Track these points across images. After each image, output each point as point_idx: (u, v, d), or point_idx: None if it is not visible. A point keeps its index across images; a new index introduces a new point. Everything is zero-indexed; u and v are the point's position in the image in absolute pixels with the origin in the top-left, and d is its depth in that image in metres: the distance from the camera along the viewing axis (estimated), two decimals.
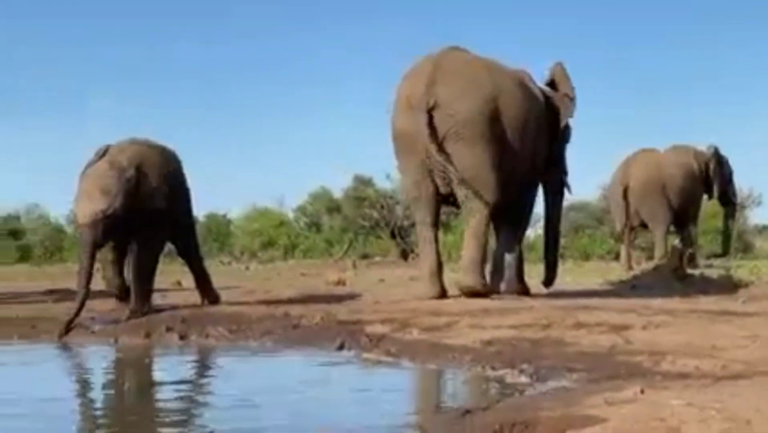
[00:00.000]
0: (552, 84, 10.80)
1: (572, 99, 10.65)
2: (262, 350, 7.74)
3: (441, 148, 9.30)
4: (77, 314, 8.52)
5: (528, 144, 9.95)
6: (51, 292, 11.33)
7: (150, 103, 41.65)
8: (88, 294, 8.62)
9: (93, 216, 8.55)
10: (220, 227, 27.90)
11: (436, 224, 9.82)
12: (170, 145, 9.89)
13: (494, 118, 9.51)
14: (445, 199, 9.77)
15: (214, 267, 20.27)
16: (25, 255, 25.31)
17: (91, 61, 43.24)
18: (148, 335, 8.34)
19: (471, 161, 9.38)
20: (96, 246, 8.69)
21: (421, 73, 9.65)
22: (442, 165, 9.34)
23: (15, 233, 26.77)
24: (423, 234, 9.80)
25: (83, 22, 43.85)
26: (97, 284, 9.84)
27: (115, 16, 45.86)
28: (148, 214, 8.94)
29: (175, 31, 45.63)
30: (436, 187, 9.55)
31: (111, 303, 9.59)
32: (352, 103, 45.34)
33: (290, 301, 10.26)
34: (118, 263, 9.47)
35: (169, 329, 8.43)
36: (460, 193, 9.48)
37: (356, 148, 41.20)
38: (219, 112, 44.04)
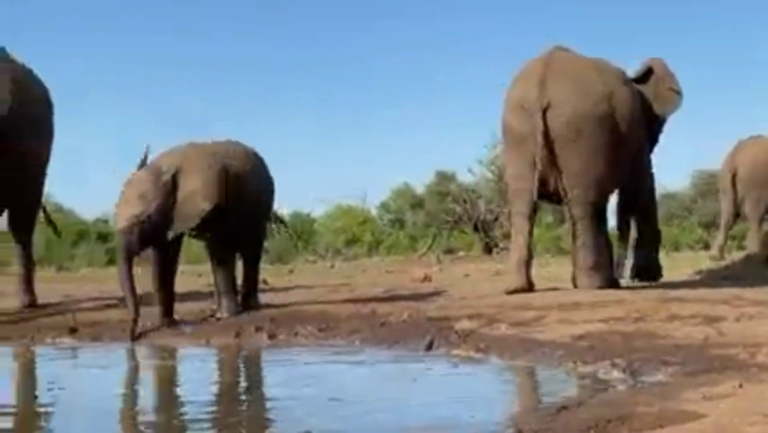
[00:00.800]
0: (641, 79, 10.77)
1: (679, 93, 10.80)
2: (350, 348, 7.75)
3: (552, 148, 9.54)
4: (135, 320, 8.65)
5: (634, 140, 10.17)
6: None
7: (234, 101, 42.09)
8: (136, 297, 8.72)
9: (130, 221, 8.69)
10: (305, 225, 28.07)
11: (532, 217, 9.90)
12: (251, 146, 9.95)
13: (605, 117, 9.76)
14: (546, 196, 9.93)
15: (299, 265, 20.54)
16: (113, 258, 25.79)
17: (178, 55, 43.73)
18: (238, 335, 8.42)
19: (581, 160, 9.62)
20: (131, 251, 8.79)
21: (532, 75, 9.89)
22: (551, 164, 9.56)
23: (104, 236, 27.30)
24: (517, 225, 9.91)
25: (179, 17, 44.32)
26: (186, 285, 10.01)
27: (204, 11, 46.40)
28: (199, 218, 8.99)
29: (256, 26, 45.96)
30: (540, 183, 9.65)
31: (200, 304, 9.71)
32: (434, 98, 45.21)
33: (376, 298, 10.25)
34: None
35: (258, 329, 8.50)
36: (569, 192, 9.69)
37: (438, 143, 41.05)
38: (302, 110, 44.30)
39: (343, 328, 8.36)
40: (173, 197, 8.86)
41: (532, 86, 9.73)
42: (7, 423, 5.19)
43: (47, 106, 11.15)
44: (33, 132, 10.52)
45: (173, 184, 8.87)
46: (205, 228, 9.13)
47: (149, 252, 9.12)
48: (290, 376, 6.70)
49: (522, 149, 9.72)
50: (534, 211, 9.89)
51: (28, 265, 11.13)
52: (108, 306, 10.50)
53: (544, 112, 9.53)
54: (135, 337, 8.58)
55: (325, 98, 43.74)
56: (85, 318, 9.31)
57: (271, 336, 8.33)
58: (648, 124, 10.63)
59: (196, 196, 8.91)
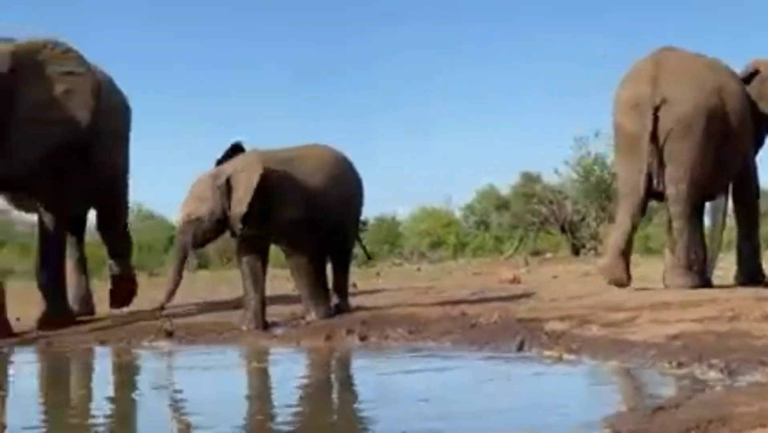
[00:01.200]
0: (746, 80, 10.77)
1: None
2: (441, 350, 7.77)
3: (661, 146, 9.67)
4: (163, 305, 9.25)
5: (742, 139, 10.23)
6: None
7: (320, 105, 42.41)
8: (175, 289, 9.23)
9: (184, 219, 9.06)
10: (390, 228, 28.16)
11: (638, 215, 10.01)
12: (338, 150, 10.01)
13: (716, 112, 9.85)
14: (655, 195, 10.00)
15: (385, 269, 20.61)
16: (203, 262, 26.25)
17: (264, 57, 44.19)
18: (329, 338, 8.50)
19: (690, 158, 9.72)
20: (186, 249, 9.15)
21: (643, 74, 10.01)
22: (659, 161, 9.69)
23: None
24: (619, 220, 10.06)
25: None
26: (277, 288, 10.14)
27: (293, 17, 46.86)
28: (267, 221, 9.11)
29: (337, 31, 46.21)
30: (649, 182, 9.74)
31: (291, 307, 9.83)
32: (519, 98, 44.98)
33: (465, 300, 10.26)
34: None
35: (349, 332, 8.57)
36: (671, 189, 9.77)
37: (523, 144, 40.86)
38: (385, 112, 44.41)
39: (434, 330, 8.38)
40: (227, 201, 9.02)
41: (644, 85, 9.87)
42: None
43: (126, 114, 11.43)
44: (112, 139, 10.81)
45: (227, 188, 9.03)
46: (280, 233, 9.27)
47: (245, 256, 9.28)
48: (383, 378, 6.75)
49: (633, 148, 9.80)
50: (642, 210, 10.04)
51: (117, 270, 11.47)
52: (202, 310, 10.74)
53: (657, 109, 9.64)
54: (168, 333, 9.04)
55: (409, 100, 43.86)
56: (180, 322, 9.50)
57: (362, 338, 8.39)
58: (754, 125, 10.57)
59: (239, 201, 9.02)
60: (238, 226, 9.04)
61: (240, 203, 8.98)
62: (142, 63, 40.27)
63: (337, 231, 9.69)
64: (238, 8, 43.50)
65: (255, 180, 8.96)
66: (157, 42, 42.91)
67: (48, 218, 9.94)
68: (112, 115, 10.72)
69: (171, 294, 9.20)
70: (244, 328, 9.15)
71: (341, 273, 9.91)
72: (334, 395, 6.39)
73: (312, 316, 9.29)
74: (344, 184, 9.81)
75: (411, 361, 7.34)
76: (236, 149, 9.34)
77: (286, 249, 9.42)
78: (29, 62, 9.51)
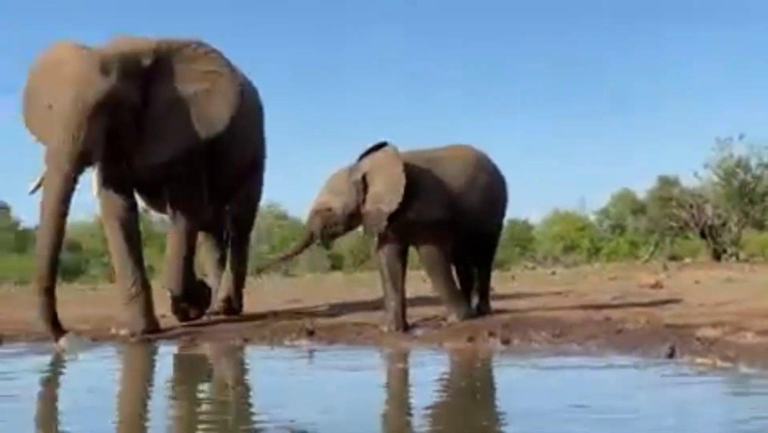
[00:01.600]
0: None
1: None
2: (587, 354, 7.59)
3: None
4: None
5: None
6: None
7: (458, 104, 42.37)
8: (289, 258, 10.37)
9: (315, 207, 9.16)
10: (522, 232, 27.95)
11: None
12: (480, 151, 9.91)
13: None
14: None
15: (518, 272, 20.42)
16: (337, 263, 26.55)
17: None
18: (471, 340, 8.41)
19: None
20: (312, 236, 9.29)
21: None
22: None
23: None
24: None
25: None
26: (413, 290, 10.09)
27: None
28: (399, 220, 9.04)
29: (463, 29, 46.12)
30: None
31: (431, 309, 9.78)
32: (655, 101, 44.04)
33: (608, 305, 10.03)
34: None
35: (491, 334, 8.46)
36: None
37: (660, 147, 39.96)
38: (520, 113, 44.14)
39: (578, 334, 8.20)
40: (362, 196, 9.05)
41: None
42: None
43: (260, 113, 11.52)
44: (248, 139, 10.90)
45: (363, 184, 9.06)
46: (418, 233, 9.20)
47: (384, 256, 9.26)
48: (529, 381, 6.62)
49: None
50: None
51: (240, 269, 11.54)
52: (342, 310, 10.78)
53: None
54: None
55: (544, 103, 43.45)
56: (320, 322, 9.55)
57: (505, 341, 8.27)
58: None
59: (380, 200, 9.00)
60: (377, 223, 9.05)
61: (380, 200, 8.99)
62: None
63: (479, 233, 9.60)
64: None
65: (400, 179, 8.95)
66: None
67: (179, 218, 9.97)
68: (247, 115, 10.81)
69: (286, 258, 10.16)
70: (385, 329, 9.14)
71: (484, 276, 9.81)
72: (482, 399, 6.28)
73: (453, 318, 9.23)
74: (487, 187, 9.67)
75: (558, 365, 7.18)
76: (380, 147, 9.32)
77: (423, 250, 9.34)
78: (172, 59, 9.56)
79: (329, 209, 9.09)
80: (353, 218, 9.15)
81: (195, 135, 9.58)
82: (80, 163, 8.81)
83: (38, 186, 8.87)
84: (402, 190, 8.92)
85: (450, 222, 9.21)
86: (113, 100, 8.86)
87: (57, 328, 8.90)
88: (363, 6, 47.19)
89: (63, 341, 8.78)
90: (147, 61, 9.30)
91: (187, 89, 9.55)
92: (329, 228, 9.20)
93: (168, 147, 9.42)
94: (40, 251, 8.83)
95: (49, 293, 8.80)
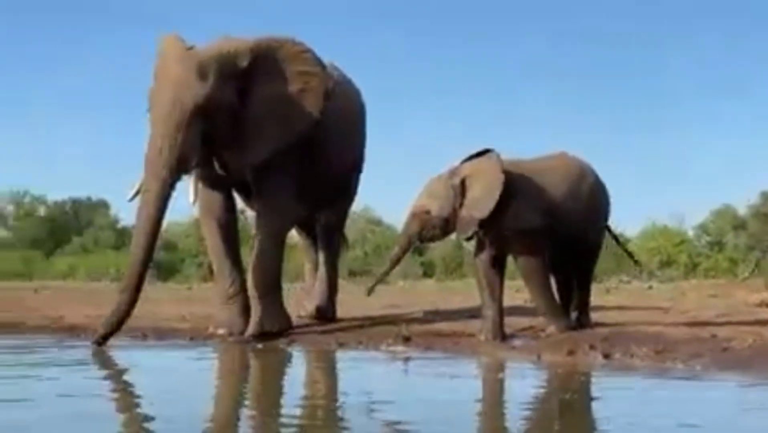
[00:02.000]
0: None
1: None
2: (691, 373, 7.36)
3: None
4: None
5: None
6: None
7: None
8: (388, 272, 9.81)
9: (413, 210, 9.15)
10: (617, 245, 27.45)
11: None
12: (583, 161, 9.73)
13: None
14: None
15: (614, 286, 20.09)
16: (429, 271, 26.51)
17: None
18: (571, 353, 8.24)
19: None
20: (410, 239, 9.31)
21: None
22: None
23: (419, 250, 28.09)
24: None
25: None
26: (508, 300, 9.96)
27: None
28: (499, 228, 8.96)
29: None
30: None
31: (529, 320, 9.65)
32: (758, 113, 42.98)
33: (712, 322, 9.76)
34: None
35: (592, 347, 8.27)
36: None
37: (762, 162, 38.98)
38: (618, 127, 43.51)
39: (682, 351, 7.95)
40: (459, 201, 8.98)
41: None
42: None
43: (359, 113, 11.42)
44: (343, 139, 10.77)
45: (461, 188, 9.00)
46: (511, 241, 9.09)
47: (481, 265, 9.16)
48: (633, 398, 6.43)
49: None
50: None
51: (332, 272, 11.42)
52: (436, 318, 10.70)
53: None
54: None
55: (643, 117, 42.77)
56: (416, 329, 9.48)
57: (606, 356, 8.07)
58: None
59: (474, 205, 8.92)
60: (468, 228, 8.99)
61: (475, 206, 8.91)
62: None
63: (579, 244, 9.43)
64: None
65: (497, 186, 8.84)
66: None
67: (270, 219, 9.87)
68: (347, 114, 10.79)
69: (390, 268, 9.64)
70: (482, 338, 9.04)
71: (583, 287, 9.64)
72: (582, 414, 6.12)
73: (551, 329, 9.09)
74: (587, 197, 9.50)
75: (662, 383, 6.97)
76: (483, 153, 9.23)
77: (520, 259, 9.20)
78: (269, 58, 9.57)
79: (427, 212, 9.06)
80: (449, 222, 9.09)
81: (288, 135, 9.60)
82: (178, 169, 8.89)
83: (137, 193, 8.95)
84: (497, 197, 8.83)
85: (548, 231, 9.08)
86: (211, 104, 8.94)
87: (111, 333, 8.81)
88: (490, 11, 47.02)
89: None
90: (244, 62, 9.34)
91: (281, 89, 9.59)
92: (426, 231, 9.18)
93: (264, 148, 9.47)
94: (133, 254, 8.92)
95: (132, 295, 8.79)
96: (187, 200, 9.40)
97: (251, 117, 9.40)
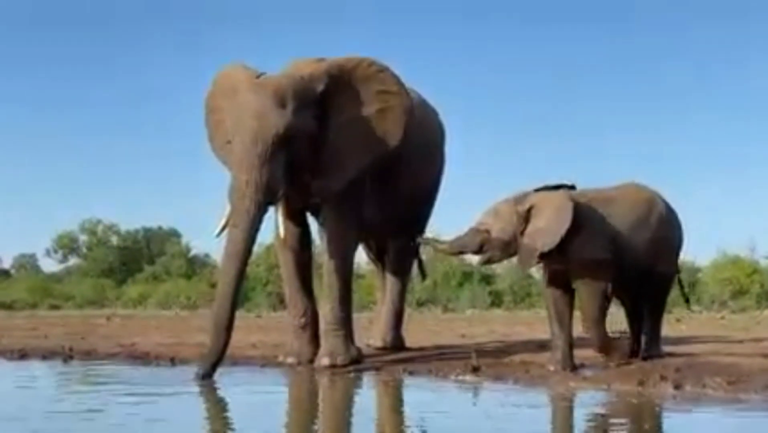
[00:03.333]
0: None
1: None
2: (765, 405, 7.24)
3: None
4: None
5: None
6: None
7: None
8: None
9: (475, 226, 9.13)
10: (688, 274, 27.13)
11: None
12: (654, 191, 9.65)
13: None
14: None
15: (684, 315, 19.80)
16: (497, 300, 26.40)
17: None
18: (641, 383, 8.16)
19: None
20: (462, 249, 9.35)
21: None
22: None
23: (487, 278, 28.05)
24: None
25: None
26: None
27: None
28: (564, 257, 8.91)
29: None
30: None
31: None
32: None
33: None
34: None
35: (663, 378, 8.19)
36: None
37: None
38: (683, 154, 43.01)
39: (757, 382, 7.83)
40: (522, 227, 8.94)
41: None
42: None
43: (437, 134, 11.37)
44: (420, 162, 10.72)
45: (526, 216, 8.95)
46: (577, 272, 9.01)
47: (551, 294, 9.14)
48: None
49: None
50: None
51: (400, 301, 11.39)
52: (505, 347, 10.67)
53: None
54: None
55: (717, 143, 42.20)
56: (485, 359, 9.47)
57: (677, 386, 7.98)
58: None
59: (539, 236, 8.85)
60: (531, 258, 8.99)
61: (539, 236, 8.85)
62: None
63: (648, 275, 9.36)
64: None
65: (565, 220, 8.81)
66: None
67: (336, 248, 9.76)
68: (422, 135, 10.65)
69: (440, 249, 10.01)
70: (552, 368, 9.01)
71: (654, 318, 9.55)
72: None
73: (606, 360, 9.00)
74: (657, 228, 9.42)
75: (730, 415, 6.88)
76: (559, 188, 9.21)
77: (580, 288, 9.11)
78: (345, 80, 9.44)
79: (487, 231, 9.03)
80: (508, 246, 9.04)
81: (369, 158, 9.53)
82: (265, 201, 8.74)
83: (224, 228, 8.83)
84: (562, 233, 8.78)
85: (613, 262, 9.01)
86: (291, 133, 8.80)
87: (214, 369, 8.72)
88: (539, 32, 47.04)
89: None
90: (321, 87, 9.22)
91: (360, 111, 9.48)
92: (483, 250, 9.14)
93: (344, 174, 9.42)
94: (220, 292, 8.76)
95: (225, 335, 8.67)
96: (276, 233, 9.47)
97: (331, 142, 9.30)
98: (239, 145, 8.75)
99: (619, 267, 9.09)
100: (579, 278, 9.04)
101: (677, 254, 9.84)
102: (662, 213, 9.54)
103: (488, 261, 9.47)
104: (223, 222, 8.86)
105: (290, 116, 8.82)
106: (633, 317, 9.70)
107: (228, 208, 8.79)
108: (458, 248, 9.37)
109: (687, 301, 10.69)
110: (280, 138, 8.72)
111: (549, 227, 8.84)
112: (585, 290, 9.07)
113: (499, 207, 9.12)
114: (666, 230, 9.56)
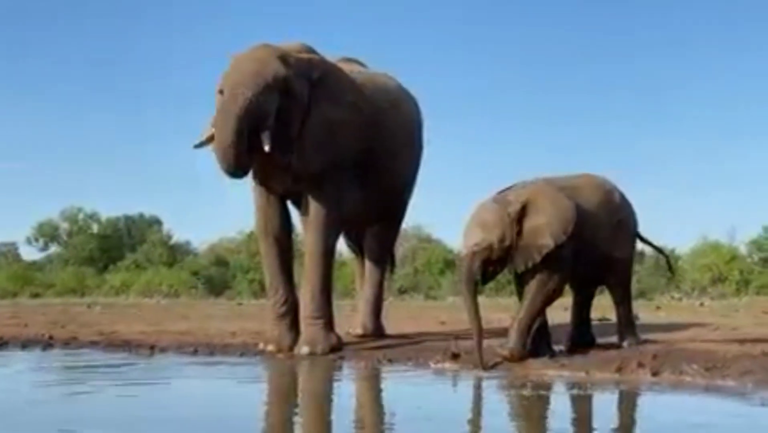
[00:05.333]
0: None
1: None
2: (742, 391, 7.30)
3: None
4: (479, 348, 8.62)
5: None
6: None
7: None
8: (480, 326, 8.68)
9: (472, 249, 8.59)
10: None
11: None
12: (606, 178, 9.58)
13: None
14: None
15: (665, 302, 19.94)
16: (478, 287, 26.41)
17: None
18: (619, 370, 8.21)
19: None
20: (472, 278, 8.62)
21: None
22: None
23: None
24: None
25: None
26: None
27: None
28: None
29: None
30: None
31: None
32: None
33: (763, 340, 9.66)
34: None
35: (640, 365, 8.23)
36: None
37: None
38: (665, 142, 43.19)
39: (733, 369, 7.88)
40: (518, 230, 8.68)
41: None
42: None
43: (413, 125, 11.45)
44: (398, 155, 10.89)
45: (519, 217, 8.69)
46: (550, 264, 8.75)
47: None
48: (678, 418, 6.40)
49: None
50: None
51: (379, 289, 11.52)
52: (486, 335, 10.67)
53: None
54: (486, 365, 8.61)
55: (694, 129, 42.36)
56: (466, 345, 9.49)
57: (654, 373, 8.04)
58: None
59: (540, 232, 8.66)
60: (534, 259, 8.66)
61: (548, 236, 8.63)
62: None
63: (608, 261, 9.30)
64: None
65: (566, 211, 8.74)
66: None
67: (317, 238, 9.88)
68: (401, 128, 10.87)
69: (479, 332, 8.68)
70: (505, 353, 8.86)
71: (624, 305, 9.48)
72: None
73: (509, 347, 8.84)
74: (617, 214, 9.34)
75: (714, 402, 6.93)
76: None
77: (536, 275, 8.81)
78: (330, 81, 9.84)
79: (488, 247, 8.58)
80: (511, 251, 8.66)
81: (340, 145, 9.86)
82: (248, 119, 8.96)
83: (203, 143, 9.33)
84: (572, 222, 8.68)
85: (576, 250, 8.92)
86: (287, 86, 9.32)
87: None
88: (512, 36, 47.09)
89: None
90: (315, 75, 9.70)
91: (334, 114, 9.82)
92: (490, 267, 8.71)
93: (320, 158, 9.68)
94: None
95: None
96: (257, 221, 10.00)
97: (314, 130, 9.61)
98: (239, 77, 9.17)
99: (582, 253, 8.99)
100: (538, 268, 8.79)
101: (634, 239, 9.69)
102: (620, 199, 9.47)
103: (493, 276, 8.93)
104: (206, 135, 9.30)
105: (289, 71, 9.38)
106: (579, 307, 9.63)
107: (209, 126, 9.22)
108: (474, 285, 8.69)
109: (670, 268, 11.07)
110: (278, 82, 9.23)
111: (551, 222, 8.70)
112: (538, 280, 8.84)
113: (484, 217, 8.71)
114: (624, 216, 9.49)
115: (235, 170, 8.97)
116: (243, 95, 8.94)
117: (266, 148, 9.03)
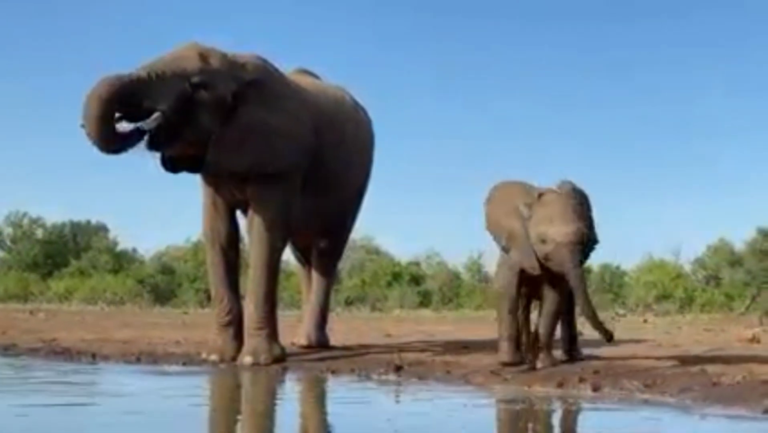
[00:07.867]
0: None
1: None
2: (681, 407, 7.38)
3: None
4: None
5: None
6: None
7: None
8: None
9: (570, 237, 8.53)
10: (614, 277, 27.61)
11: None
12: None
13: None
14: None
15: (609, 319, 20.08)
16: (425, 300, 26.50)
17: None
18: (560, 385, 8.27)
19: None
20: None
21: None
22: None
23: (416, 279, 28.16)
24: None
25: None
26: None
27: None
28: None
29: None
30: None
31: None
32: (754, 152, 43.14)
33: (703, 357, 9.79)
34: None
35: (582, 380, 8.31)
36: None
37: (760, 199, 39.08)
38: (617, 159, 43.68)
39: (672, 385, 7.98)
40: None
41: None
42: None
43: (370, 145, 11.55)
44: (349, 167, 10.94)
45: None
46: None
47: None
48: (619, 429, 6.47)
49: None
50: None
51: (325, 300, 11.51)
52: (431, 348, 10.73)
53: None
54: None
55: (642, 149, 42.92)
56: (409, 357, 9.51)
57: (595, 389, 8.11)
58: None
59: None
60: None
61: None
62: None
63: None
64: None
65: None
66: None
67: (262, 248, 9.80)
68: (354, 142, 10.91)
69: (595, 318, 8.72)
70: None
71: (572, 318, 9.62)
72: None
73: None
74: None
75: (651, 415, 7.00)
76: None
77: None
78: (265, 85, 9.72)
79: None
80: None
81: (282, 149, 9.80)
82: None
83: None
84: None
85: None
86: (204, 80, 9.10)
87: None
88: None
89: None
90: (247, 77, 9.52)
91: (267, 119, 9.69)
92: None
93: (245, 159, 9.55)
94: None
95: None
96: (204, 231, 9.88)
97: (237, 129, 9.42)
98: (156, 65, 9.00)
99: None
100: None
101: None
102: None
103: None
104: None
105: (208, 67, 9.22)
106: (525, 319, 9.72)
107: None
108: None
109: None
110: (190, 73, 9.07)
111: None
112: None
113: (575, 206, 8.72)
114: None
115: (97, 141, 8.75)
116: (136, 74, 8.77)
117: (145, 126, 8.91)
